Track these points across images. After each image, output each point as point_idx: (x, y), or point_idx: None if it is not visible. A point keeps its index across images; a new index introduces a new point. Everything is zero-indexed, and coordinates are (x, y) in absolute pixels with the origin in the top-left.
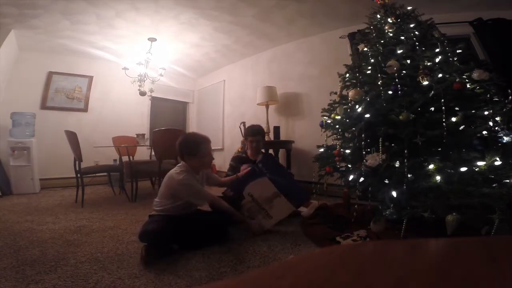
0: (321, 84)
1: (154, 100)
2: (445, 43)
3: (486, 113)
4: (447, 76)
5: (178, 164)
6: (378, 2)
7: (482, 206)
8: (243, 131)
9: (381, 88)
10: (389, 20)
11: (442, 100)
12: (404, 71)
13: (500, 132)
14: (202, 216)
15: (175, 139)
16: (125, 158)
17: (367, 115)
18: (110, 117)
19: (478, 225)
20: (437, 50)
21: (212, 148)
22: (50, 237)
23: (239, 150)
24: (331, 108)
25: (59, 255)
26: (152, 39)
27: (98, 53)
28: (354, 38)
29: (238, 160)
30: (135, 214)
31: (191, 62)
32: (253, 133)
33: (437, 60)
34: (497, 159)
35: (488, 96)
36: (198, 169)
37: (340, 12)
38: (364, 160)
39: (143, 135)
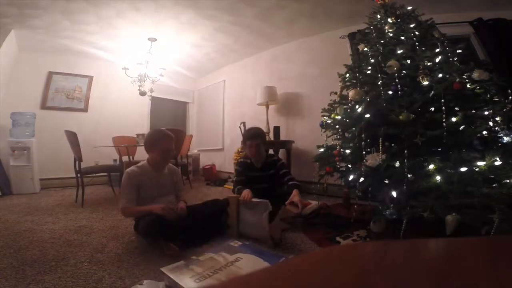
0: (321, 84)
1: (154, 100)
2: (445, 43)
3: (486, 113)
4: (447, 76)
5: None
6: (378, 2)
7: (482, 206)
8: (243, 131)
9: (381, 88)
10: (389, 20)
11: (442, 100)
12: (404, 71)
13: (500, 132)
14: (194, 211)
15: (175, 139)
16: (125, 158)
17: (367, 115)
18: (110, 117)
19: (478, 225)
20: (437, 50)
21: (212, 148)
22: (50, 237)
23: (240, 150)
24: (331, 108)
25: (59, 255)
26: (152, 39)
27: (98, 53)
28: (354, 38)
29: (244, 165)
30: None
31: (191, 62)
32: (251, 136)
33: (437, 60)
34: (497, 159)
35: (488, 96)
36: (158, 164)
37: (340, 12)
38: (364, 160)
39: (143, 135)
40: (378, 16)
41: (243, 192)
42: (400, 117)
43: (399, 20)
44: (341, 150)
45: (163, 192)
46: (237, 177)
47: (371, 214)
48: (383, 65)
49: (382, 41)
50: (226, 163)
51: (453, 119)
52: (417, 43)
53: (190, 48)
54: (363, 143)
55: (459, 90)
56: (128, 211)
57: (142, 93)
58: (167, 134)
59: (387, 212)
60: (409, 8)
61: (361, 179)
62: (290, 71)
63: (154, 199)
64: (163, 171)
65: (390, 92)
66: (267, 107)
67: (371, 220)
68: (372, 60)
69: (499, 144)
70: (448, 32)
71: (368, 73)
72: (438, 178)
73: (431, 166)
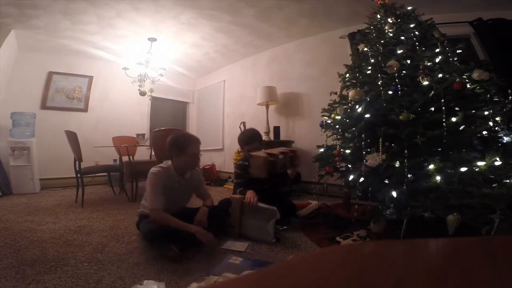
0: (321, 84)
1: (154, 100)
2: (445, 43)
3: (486, 113)
4: (447, 76)
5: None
6: (378, 2)
7: (482, 206)
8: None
9: (381, 88)
10: (389, 20)
11: (442, 100)
12: (404, 71)
13: (500, 132)
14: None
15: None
16: (125, 158)
17: (367, 115)
18: (110, 117)
19: (478, 225)
20: (437, 50)
21: (212, 148)
22: (50, 237)
23: (239, 150)
24: (331, 108)
25: (59, 255)
26: (152, 39)
27: (98, 53)
28: (354, 38)
29: (244, 168)
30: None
31: (191, 62)
32: (248, 141)
33: (437, 60)
34: (497, 159)
35: (488, 96)
36: (183, 169)
37: (340, 12)
38: (364, 160)
39: (143, 135)
40: (378, 16)
41: (248, 194)
42: (400, 117)
43: (399, 20)
44: (341, 150)
45: (181, 198)
46: (237, 179)
47: (371, 214)
48: (383, 65)
49: (382, 41)
50: (226, 163)
51: (453, 119)
52: (417, 43)
53: (190, 48)
54: (363, 143)
55: (459, 90)
56: (161, 216)
57: (142, 93)
58: (196, 138)
59: (387, 212)
60: (409, 8)
61: (361, 179)
62: (290, 71)
63: (170, 204)
64: (186, 176)
65: (390, 92)
66: (267, 107)
67: (371, 220)
68: (372, 60)
69: (499, 144)
70: (448, 32)
71: (368, 73)
72: (438, 178)
73: (431, 166)
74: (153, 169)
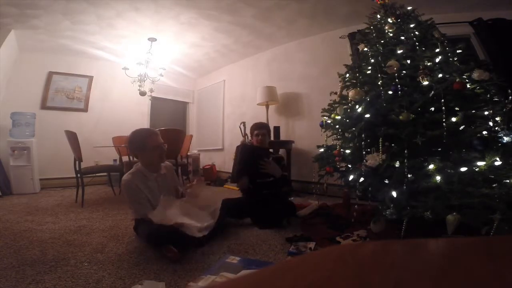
0: (321, 84)
1: (154, 100)
2: (445, 43)
3: (486, 113)
4: (447, 76)
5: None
6: (378, 2)
7: (482, 206)
8: (243, 131)
9: (381, 88)
10: (389, 20)
11: (442, 100)
12: (404, 71)
13: (500, 132)
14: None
15: (175, 139)
16: (125, 158)
17: (367, 115)
18: (110, 117)
19: (478, 225)
20: (437, 50)
21: (212, 148)
22: (50, 237)
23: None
24: (331, 108)
25: (59, 255)
26: (152, 39)
27: (98, 53)
28: (354, 38)
29: (249, 152)
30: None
31: (191, 62)
32: (259, 126)
33: (437, 60)
34: (497, 159)
35: (488, 96)
36: (154, 165)
37: (340, 12)
38: (364, 160)
39: None
40: (378, 16)
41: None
42: (400, 117)
43: (399, 20)
44: (341, 150)
45: (165, 194)
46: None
47: (371, 214)
48: (383, 65)
49: (382, 41)
50: (226, 163)
51: (453, 119)
52: (417, 43)
53: (190, 48)
54: (363, 143)
55: (459, 90)
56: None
57: (142, 93)
58: (151, 130)
59: (387, 212)
60: (409, 8)
61: (361, 179)
62: (290, 71)
63: (155, 202)
64: (161, 171)
65: (390, 92)
66: (267, 107)
67: (371, 220)
68: (372, 60)
69: (499, 144)
70: (448, 32)
71: (368, 73)
72: (438, 178)
73: (431, 166)
74: (125, 178)
